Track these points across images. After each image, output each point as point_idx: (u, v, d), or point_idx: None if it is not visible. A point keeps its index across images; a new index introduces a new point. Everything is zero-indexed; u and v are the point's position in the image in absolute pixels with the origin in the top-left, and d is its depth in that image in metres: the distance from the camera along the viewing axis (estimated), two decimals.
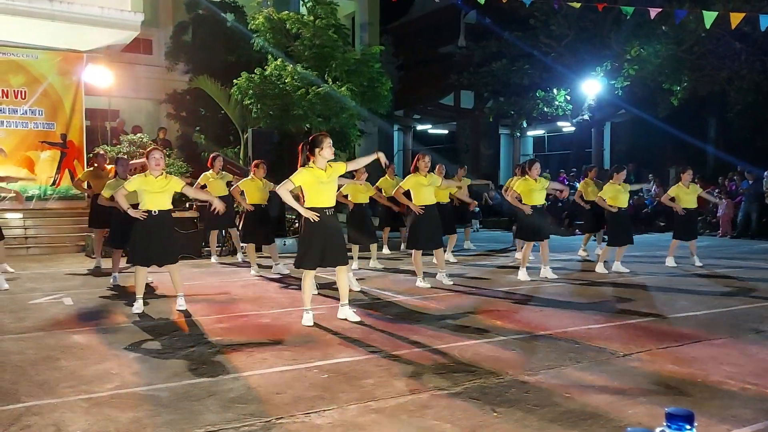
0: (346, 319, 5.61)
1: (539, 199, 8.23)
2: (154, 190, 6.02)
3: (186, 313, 6.09)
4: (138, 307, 6.13)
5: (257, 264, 8.99)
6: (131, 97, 16.97)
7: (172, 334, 5.28)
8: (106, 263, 8.88)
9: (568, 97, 18.50)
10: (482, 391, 3.77)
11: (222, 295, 7.17)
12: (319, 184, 5.46)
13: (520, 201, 8.25)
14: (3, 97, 13.02)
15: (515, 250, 11.41)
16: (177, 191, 6.21)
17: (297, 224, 8.77)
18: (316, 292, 6.19)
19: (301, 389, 3.81)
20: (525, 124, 21.21)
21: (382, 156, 5.81)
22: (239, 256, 10.48)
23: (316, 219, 5.42)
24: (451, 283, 7.74)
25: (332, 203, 5.58)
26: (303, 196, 5.65)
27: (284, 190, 5.50)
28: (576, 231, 15.41)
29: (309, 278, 5.65)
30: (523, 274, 8.28)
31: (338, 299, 5.82)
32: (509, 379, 3.99)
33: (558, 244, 12.67)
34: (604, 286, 7.90)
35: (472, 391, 3.75)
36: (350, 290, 6.18)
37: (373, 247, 9.69)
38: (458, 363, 4.35)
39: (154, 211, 6.03)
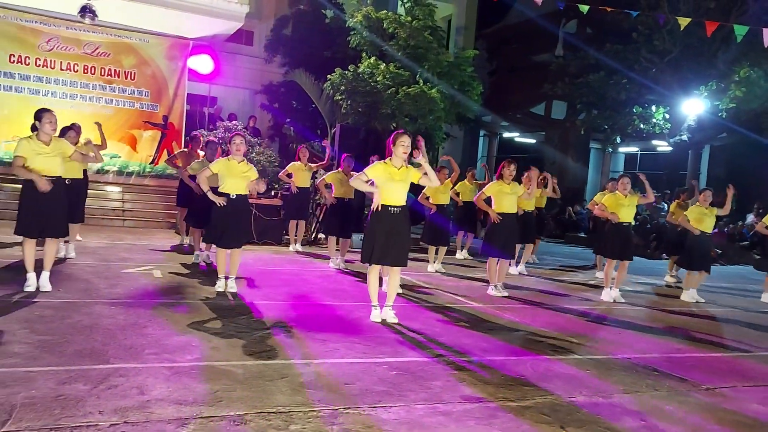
0: (384, 320, 5.58)
1: (627, 216, 7.92)
2: (235, 175, 6.26)
3: (263, 297, 6.29)
4: (220, 285, 6.39)
5: (337, 258, 9.08)
6: (229, 86, 17.67)
7: (250, 314, 5.47)
8: (188, 241, 9.29)
9: (667, 116, 17.70)
10: (553, 408, 3.69)
11: (299, 283, 7.35)
12: (390, 180, 5.46)
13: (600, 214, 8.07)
14: (114, 76, 13.88)
15: (595, 267, 11.07)
16: (251, 179, 6.43)
17: None
18: (384, 287, 6.24)
19: (370, 383, 3.86)
20: (618, 140, 20.47)
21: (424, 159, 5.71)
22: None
23: (379, 209, 5.48)
24: (506, 295, 7.61)
25: (400, 203, 5.53)
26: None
27: (358, 181, 5.65)
28: (663, 255, 14.76)
29: (373, 274, 5.69)
30: (606, 294, 8.03)
31: (414, 301, 5.83)
32: (582, 399, 3.88)
33: (643, 267, 12.20)
34: (689, 315, 7.53)
35: (542, 407, 3.68)
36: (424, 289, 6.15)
37: (442, 250, 9.64)
38: (529, 377, 4.27)
39: (233, 195, 6.27)
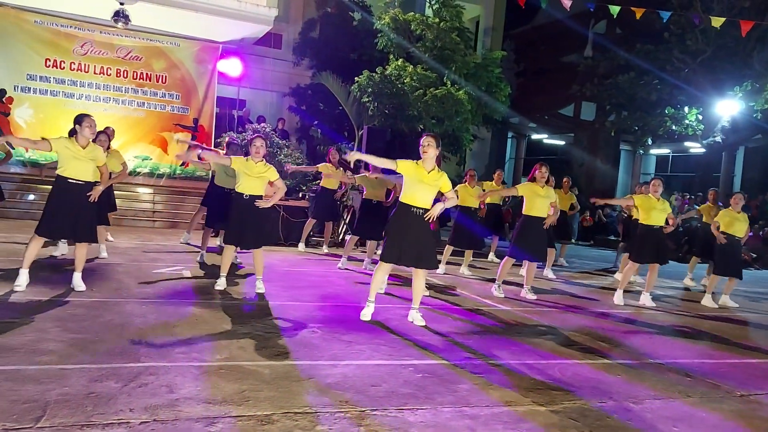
0: (412, 322, 5.57)
1: (659, 220, 7.77)
2: (251, 174, 6.29)
3: (290, 298, 6.33)
4: (221, 283, 6.45)
5: (347, 258, 9.02)
6: (258, 89, 17.84)
7: (277, 315, 5.51)
8: (196, 240, 9.41)
9: (700, 117, 17.35)
10: (582, 412, 3.64)
11: (325, 285, 7.38)
12: (418, 181, 5.39)
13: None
14: (146, 80, 14.12)
15: (617, 270, 10.89)
16: (272, 180, 6.46)
17: None
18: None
19: (396, 385, 3.85)
20: (649, 142, 20.15)
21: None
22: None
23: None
24: (535, 297, 7.53)
25: (425, 205, 5.44)
26: (399, 191, 5.67)
27: (386, 161, 5.46)
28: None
29: (381, 271, 5.62)
30: (618, 297, 7.89)
31: (440, 304, 5.80)
32: (612, 405, 3.82)
33: (674, 271, 11.98)
34: (721, 320, 7.37)
35: (572, 412, 3.63)
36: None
37: (468, 253, 9.57)
38: (558, 381, 4.22)
39: (246, 196, 6.30)
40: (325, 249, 10.59)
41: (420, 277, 5.64)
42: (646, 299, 7.88)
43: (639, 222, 7.93)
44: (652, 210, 7.70)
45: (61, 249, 7.65)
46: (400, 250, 5.43)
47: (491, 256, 11.65)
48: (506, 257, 7.57)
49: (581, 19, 20.83)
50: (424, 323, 5.54)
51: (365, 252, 9.12)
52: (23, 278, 5.57)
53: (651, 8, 11.85)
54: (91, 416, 2.99)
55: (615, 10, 10.55)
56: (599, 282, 10.11)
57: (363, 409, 3.39)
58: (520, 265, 8.89)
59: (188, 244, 9.76)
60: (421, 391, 3.78)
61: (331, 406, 3.39)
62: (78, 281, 5.80)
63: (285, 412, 3.26)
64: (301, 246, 10.54)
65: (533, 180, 7.43)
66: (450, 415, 3.43)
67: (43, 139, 5.61)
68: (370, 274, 8.41)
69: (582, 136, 24.25)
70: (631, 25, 18.79)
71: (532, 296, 7.53)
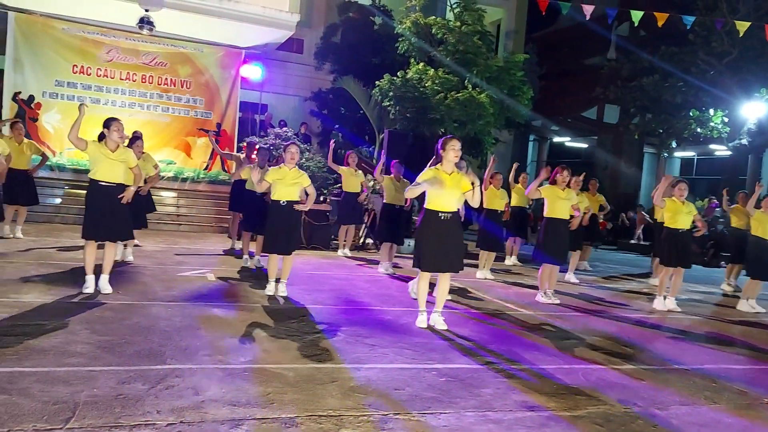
0: (433, 326, 5.55)
1: (684, 223, 7.68)
2: (286, 181, 6.39)
3: (313, 301, 6.37)
4: (270, 289, 6.52)
5: (387, 262, 9.10)
6: (280, 93, 17.97)
7: (301, 318, 5.55)
8: (239, 245, 9.47)
9: (726, 119, 17.08)
10: (606, 418, 3.61)
11: (348, 288, 7.41)
12: (441, 185, 5.38)
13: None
14: (171, 85, 14.32)
15: (651, 275, 10.78)
16: (304, 186, 6.56)
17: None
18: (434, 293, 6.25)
19: (419, 389, 3.86)
20: (674, 144, 19.87)
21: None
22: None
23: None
24: (558, 302, 7.46)
25: (451, 209, 5.47)
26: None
27: (415, 190, 5.44)
28: (721, 263, 14.26)
29: (425, 281, 5.65)
30: (659, 303, 7.83)
31: (463, 308, 5.79)
32: (636, 411, 3.79)
33: (699, 275, 11.82)
34: (749, 325, 7.25)
35: (596, 417, 3.61)
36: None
37: (491, 256, 9.53)
38: (582, 386, 4.19)
39: (283, 202, 6.39)
40: (347, 252, 10.66)
41: (445, 281, 5.65)
42: (671, 304, 7.78)
43: (664, 225, 7.86)
44: (679, 214, 7.64)
45: None
46: (437, 258, 5.46)
47: (513, 260, 11.58)
48: (543, 265, 7.57)
49: (604, 21, 20.62)
50: (446, 327, 5.54)
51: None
52: (90, 282, 5.88)
53: (674, 12, 11.72)
54: (119, 417, 3.05)
55: (636, 17, 10.42)
56: (622, 286, 10.00)
57: (386, 413, 3.40)
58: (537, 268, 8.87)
59: (234, 250, 9.80)
60: (445, 395, 3.78)
61: (354, 410, 3.41)
62: (105, 284, 5.91)
63: (309, 414, 3.29)
64: (346, 251, 10.69)
65: (554, 183, 7.42)
66: (473, 419, 3.43)
67: (84, 140, 5.79)
68: (392, 277, 8.50)
69: (605, 139, 24.02)
70: (655, 27, 18.60)
71: (555, 300, 7.48)
